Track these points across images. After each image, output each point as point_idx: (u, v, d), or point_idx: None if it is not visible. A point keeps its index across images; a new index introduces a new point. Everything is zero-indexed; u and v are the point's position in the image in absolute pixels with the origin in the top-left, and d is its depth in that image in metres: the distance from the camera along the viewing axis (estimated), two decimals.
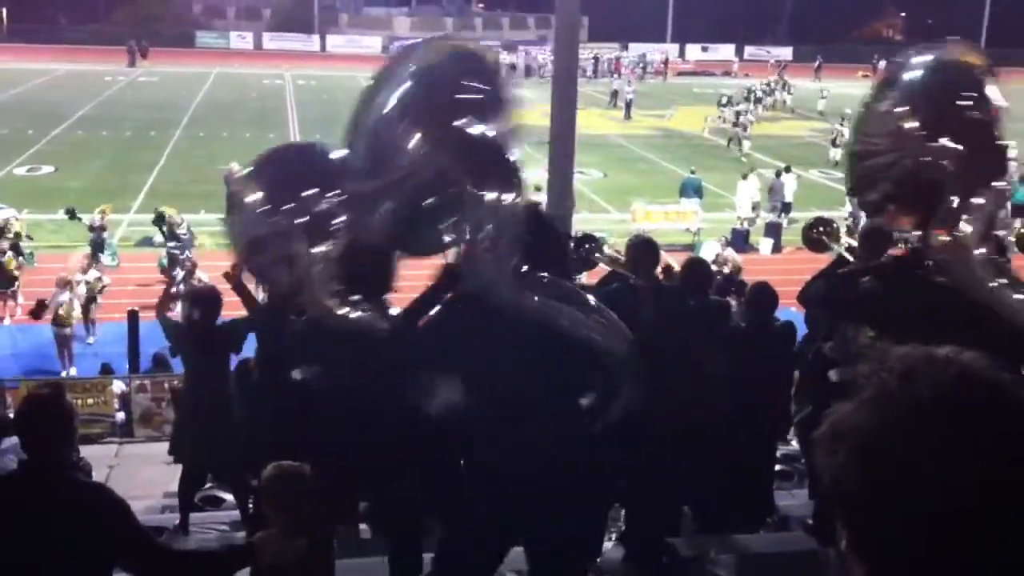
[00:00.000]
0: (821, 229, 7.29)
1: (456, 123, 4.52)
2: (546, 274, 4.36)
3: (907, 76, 5.21)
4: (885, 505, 1.07)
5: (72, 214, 17.73)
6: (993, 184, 4.85)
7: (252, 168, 6.37)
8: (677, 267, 7.70)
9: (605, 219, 23.16)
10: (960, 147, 4.79)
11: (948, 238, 4.74)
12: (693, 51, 70.15)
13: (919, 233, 5.21)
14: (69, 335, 15.38)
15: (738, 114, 36.08)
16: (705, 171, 28.28)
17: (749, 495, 7.02)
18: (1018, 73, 31.90)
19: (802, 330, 7.31)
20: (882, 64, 61.72)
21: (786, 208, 24.20)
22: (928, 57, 5.26)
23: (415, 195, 4.60)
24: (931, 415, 1.07)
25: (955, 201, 4.74)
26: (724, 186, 26.94)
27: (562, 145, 11.53)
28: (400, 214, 4.69)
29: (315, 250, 5.53)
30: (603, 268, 7.20)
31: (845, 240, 7.48)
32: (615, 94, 44.05)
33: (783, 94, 45.76)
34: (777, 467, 8.04)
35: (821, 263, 6.97)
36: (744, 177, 24.79)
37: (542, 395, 4.21)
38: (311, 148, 7.27)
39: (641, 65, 57.10)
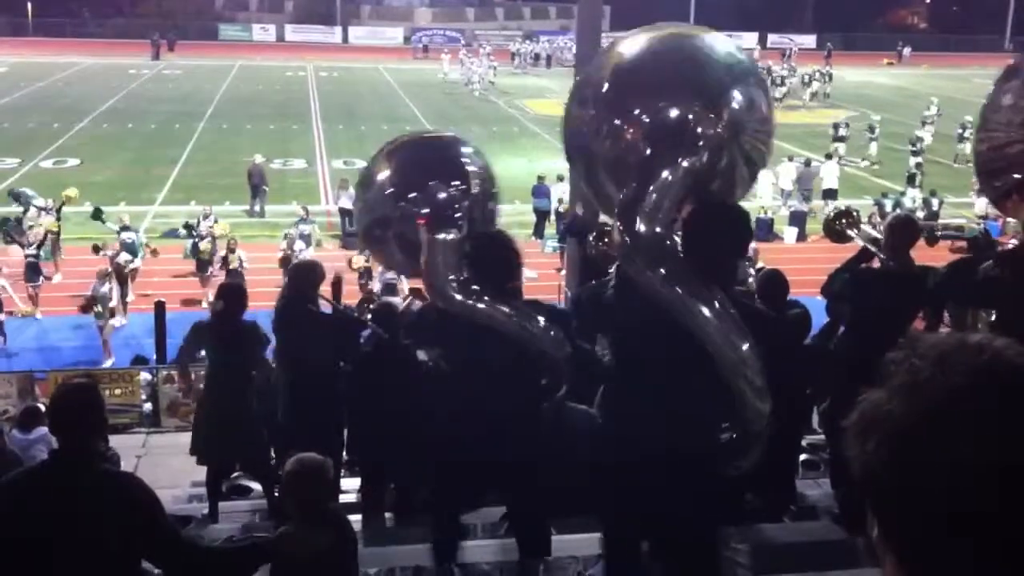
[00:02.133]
0: (844, 220, 7.25)
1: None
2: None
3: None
4: (918, 494, 1.06)
5: (98, 214, 17.89)
6: None
7: (387, 151, 6.47)
8: None
9: None
10: None
11: None
12: None
13: (952, 224, 5.23)
14: (110, 326, 15.59)
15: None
16: None
17: (771, 484, 7.00)
18: None
19: (820, 320, 7.28)
20: (907, 52, 61.44)
21: (830, 195, 23.98)
22: None
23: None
24: (964, 402, 1.05)
25: None
26: None
27: None
28: None
29: (438, 237, 5.54)
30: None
31: (868, 231, 7.42)
32: None
33: (825, 84, 45.17)
34: (803, 456, 8.01)
35: (846, 252, 6.94)
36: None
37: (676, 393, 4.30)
38: (444, 139, 7.42)
39: None
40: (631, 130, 4.55)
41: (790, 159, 26.28)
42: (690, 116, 4.45)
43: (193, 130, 34.17)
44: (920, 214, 20.39)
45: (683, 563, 4.68)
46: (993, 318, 5.98)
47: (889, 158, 28.60)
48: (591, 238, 7.58)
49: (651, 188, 4.30)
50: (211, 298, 14.35)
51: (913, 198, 23.88)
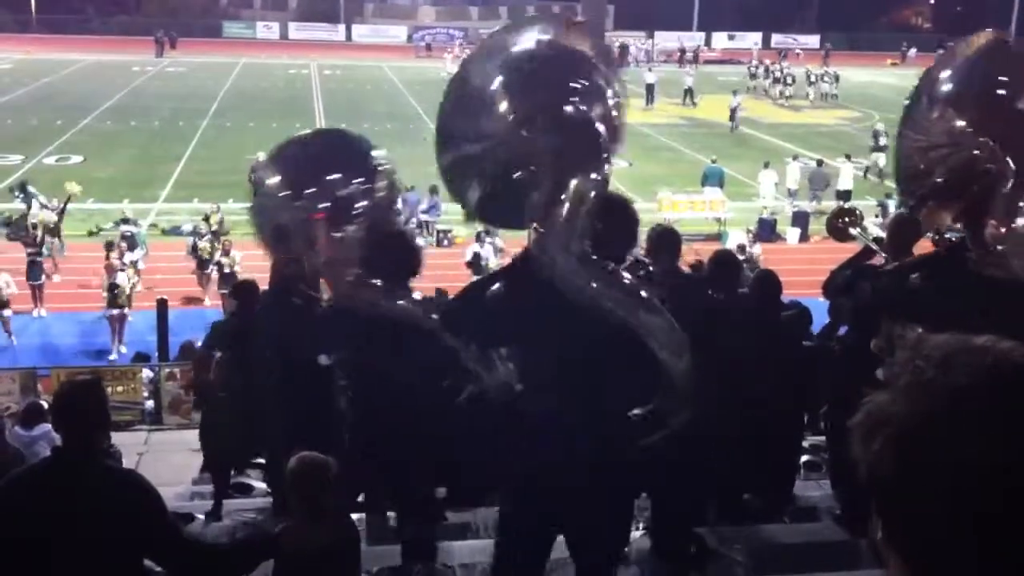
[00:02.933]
0: (846, 219, 7.24)
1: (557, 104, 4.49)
2: (612, 265, 4.24)
3: (953, 70, 5.17)
4: (923, 494, 1.06)
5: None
6: None
7: (274, 153, 6.41)
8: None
9: None
10: (1010, 139, 4.77)
11: (1005, 230, 4.70)
12: (719, 39, 69.69)
13: (958, 225, 5.20)
14: (122, 316, 15.64)
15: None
16: (730, 160, 28.19)
17: (771, 485, 7.01)
18: None
19: (823, 321, 7.28)
20: (912, 52, 61.38)
21: (845, 196, 23.95)
22: (973, 50, 5.21)
23: (503, 169, 4.54)
24: (969, 403, 1.06)
25: (1009, 193, 4.71)
26: (749, 175, 26.81)
27: None
28: (486, 187, 4.65)
29: (337, 235, 5.54)
30: None
31: (871, 230, 7.42)
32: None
33: (832, 85, 45.15)
34: (805, 458, 8.01)
35: (848, 252, 6.93)
36: (766, 166, 24.71)
37: (588, 389, 4.17)
38: (335, 133, 7.31)
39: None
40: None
41: (795, 158, 26.28)
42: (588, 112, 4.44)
43: (196, 127, 34.19)
44: None
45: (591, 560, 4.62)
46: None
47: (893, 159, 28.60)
48: None
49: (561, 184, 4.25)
50: (210, 296, 14.40)
51: None
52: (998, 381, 1.07)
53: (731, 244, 17.66)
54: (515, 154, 4.43)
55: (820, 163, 25.49)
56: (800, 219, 22.98)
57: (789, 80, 44.93)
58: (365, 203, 5.82)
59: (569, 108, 4.44)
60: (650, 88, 41.24)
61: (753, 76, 47.64)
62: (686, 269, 6.84)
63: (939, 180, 5.04)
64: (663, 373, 4.14)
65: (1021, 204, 4.77)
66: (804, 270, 7.18)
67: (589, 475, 4.17)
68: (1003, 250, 4.74)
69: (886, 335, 5.96)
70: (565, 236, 4.15)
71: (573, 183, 4.23)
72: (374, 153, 6.37)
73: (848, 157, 25.55)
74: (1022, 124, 4.86)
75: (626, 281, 4.23)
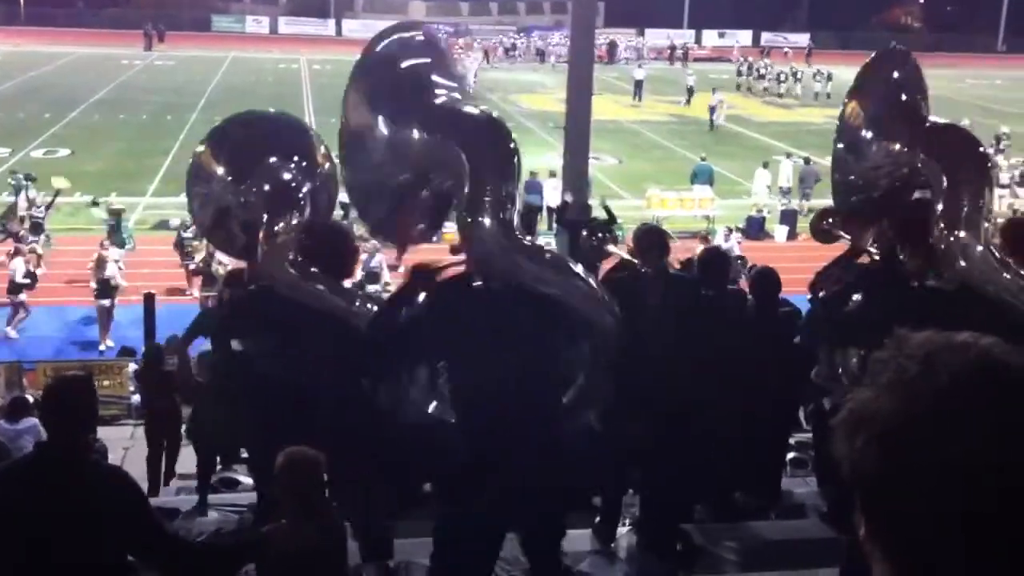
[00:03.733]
0: (830, 220, 7.24)
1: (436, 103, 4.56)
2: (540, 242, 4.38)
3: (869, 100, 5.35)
4: (907, 492, 1.06)
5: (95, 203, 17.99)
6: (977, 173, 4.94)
7: (213, 138, 6.31)
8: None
9: (620, 205, 23.13)
10: (937, 151, 4.91)
11: (948, 232, 4.79)
12: (710, 37, 69.77)
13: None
14: (110, 307, 15.61)
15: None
16: (720, 158, 28.23)
17: (756, 482, 7.03)
18: None
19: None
20: None
21: None
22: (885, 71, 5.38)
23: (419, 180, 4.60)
24: (954, 400, 1.05)
25: (946, 197, 4.82)
26: (740, 173, 26.85)
27: (577, 131, 11.51)
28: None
29: (277, 221, 5.48)
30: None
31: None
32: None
33: (825, 85, 45.25)
34: (792, 455, 8.03)
35: (836, 250, 6.94)
36: (765, 165, 24.77)
37: (531, 381, 4.19)
38: (272, 116, 7.24)
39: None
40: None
41: (788, 156, 26.31)
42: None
43: (185, 121, 34.03)
44: None
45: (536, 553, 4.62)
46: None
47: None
48: (584, 233, 7.58)
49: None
50: (194, 288, 14.31)
51: None
52: (982, 378, 1.07)
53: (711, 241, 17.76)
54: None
55: (807, 161, 25.51)
56: (788, 217, 23.02)
57: (783, 77, 45.21)
58: (307, 190, 5.78)
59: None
60: (639, 84, 41.38)
61: (740, 73, 47.89)
62: (676, 267, 6.86)
63: (874, 195, 5.17)
64: (593, 333, 4.22)
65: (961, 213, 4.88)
66: (792, 268, 7.17)
67: (531, 470, 4.18)
68: (948, 254, 4.83)
69: (825, 362, 5.93)
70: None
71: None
72: (302, 127, 6.33)
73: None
74: (944, 138, 5.03)
75: (548, 251, 4.44)
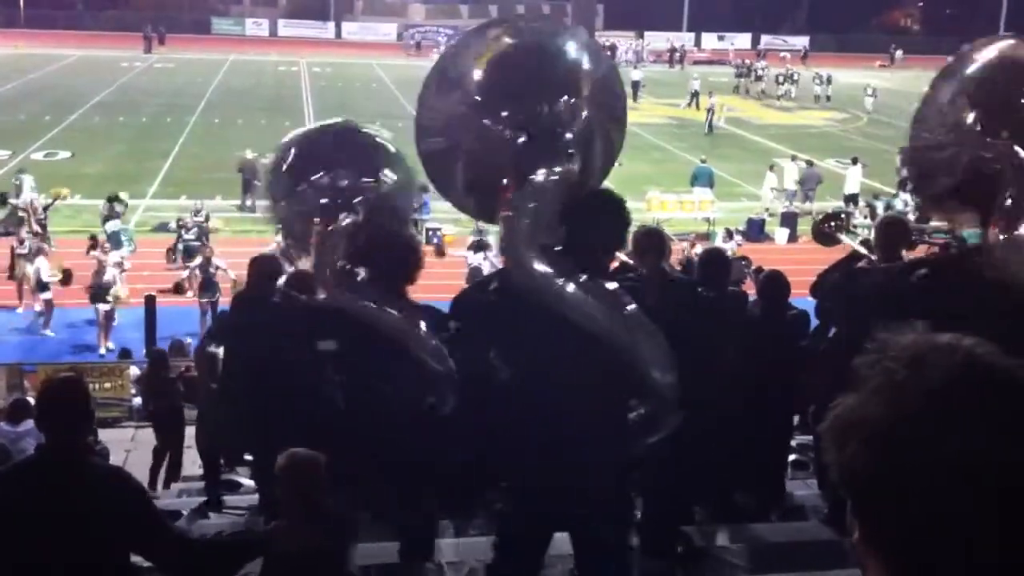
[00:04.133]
0: (832, 224, 7.25)
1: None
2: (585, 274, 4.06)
3: (969, 70, 5.15)
4: (900, 495, 1.07)
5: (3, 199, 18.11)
6: None
7: (284, 146, 6.37)
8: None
9: None
10: (1017, 144, 4.75)
11: (1006, 235, 4.67)
12: (709, 39, 69.78)
13: (942, 227, 5.22)
14: (110, 311, 15.60)
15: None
16: (719, 160, 28.23)
17: (760, 484, 7.03)
18: None
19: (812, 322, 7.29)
20: (900, 54, 61.56)
21: (852, 200, 24.07)
22: (991, 53, 5.19)
23: (472, 160, 4.52)
24: (941, 402, 1.06)
25: (1012, 197, 4.69)
26: (739, 175, 26.86)
27: None
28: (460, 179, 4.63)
29: (332, 226, 5.47)
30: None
31: (860, 233, 7.44)
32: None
33: (825, 87, 45.26)
34: (793, 457, 8.04)
35: (838, 252, 6.95)
36: (771, 168, 24.83)
37: (585, 391, 4.12)
38: (337, 126, 7.25)
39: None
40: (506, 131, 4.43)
41: (793, 159, 26.30)
42: (560, 113, 4.40)
43: (185, 124, 34.07)
44: (911, 216, 20.47)
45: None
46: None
47: (880, 160, 28.64)
48: None
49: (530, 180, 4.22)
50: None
51: (905, 201, 23.98)
52: (968, 379, 1.08)
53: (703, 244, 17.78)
54: (480, 146, 4.45)
55: (810, 163, 25.55)
56: (788, 220, 23.04)
57: (780, 79, 45.30)
58: (367, 197, 5.78)
59: (537, 106, 4.40)
60: (635, 85, 41.43)
61: (739, 75, 47.96)
62: (676, 268, 6.85)
63: (948, 182, 5.04)
64: (649, 386, 4.11)
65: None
66: (792, 271, 7.20)
67: (588, 475, 4.16)
68: (1003, 253, 4.72)
69: (883, 331, 5.92)
70: (526, 234, 4.07)
71: (536, 178, 4.17)
72: (380, 140, 6.36)
73: (856, 161, 25.51)
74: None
75: (607, 289, 4.07)
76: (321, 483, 4.28)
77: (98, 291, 15.54)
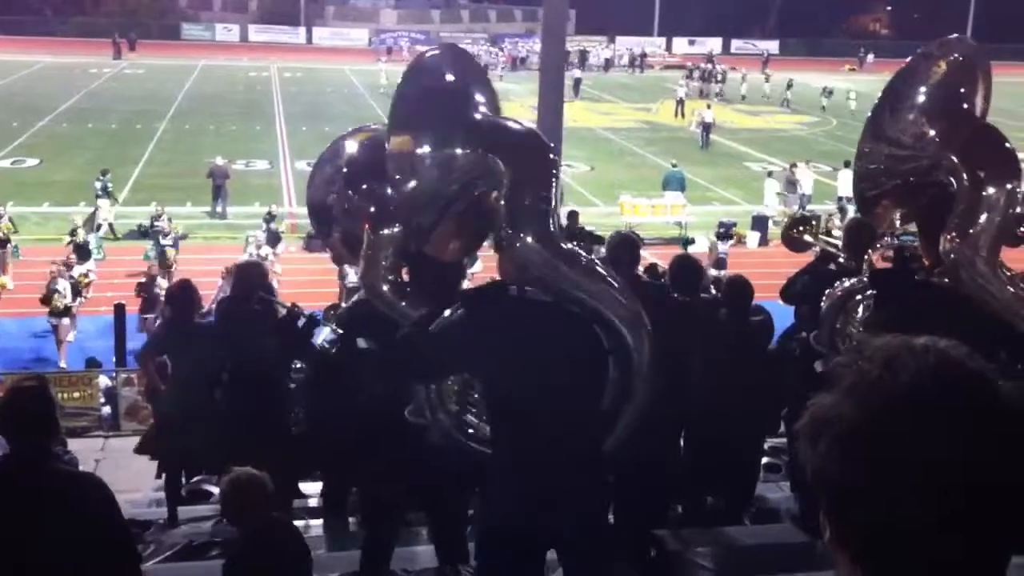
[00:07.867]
0: (801, 228, 7.31)
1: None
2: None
3: (919, 80, 5.16)
4: (870, 493, 1.07)
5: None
6: (1005, 186, 4.77)
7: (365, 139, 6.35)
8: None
9: (592, 212, 23.19)
10: (970, 155, 4.74)
11: (958, 241, 4.68)
12: (680, 44, 70.13)
13: (909, 228, 5.22)
14: (64, 325, 15.33)
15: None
16: (691, 164, 28.37)
17: (732, 487, 7.04)
18: (1004, 68, 32.04)
19: (783, 324, 7.33)
20: (870, 58, 62.12)
21: (849, 202, 24.31)
22: (943, 61, 5.19)
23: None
24: (916, 402, 1.07)
25: (965, 205, 4.69)
26: (711, 180, 26.98)
27: (549, 138, 11.53)
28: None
29: (379, 233, 5.45)
30: None
31: (827, 236, 7.49)
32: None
33: (785, 91, 45.60)
34: (765, 460, 8.06)
35: (809, 256, 6.99)
36: (769, 175, 25.04)
37: (568, 390, 4.13)
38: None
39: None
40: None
41: (793, 166, 26.30)
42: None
43: (155, 130, 33.84)
44: None
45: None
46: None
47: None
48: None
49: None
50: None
51: None
52: (941, 380, 1.08)
53: (698, 249, 17.88)
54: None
55: (793, 166, 25.83)
56: (759, 223, 23.16)
57: (741, 81, 46.13)
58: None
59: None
60: (577, 82, 42.87)
61: (690, 77, 48.53)
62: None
63: (894, 183, 5.05)
64: (627, 352, 4.17)
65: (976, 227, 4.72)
66: (762, 274, 7.22)
67: (576, 482, 4.15)
68: (952, 262, 4.74)
69: (826, 326, 5.94)
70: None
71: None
72: None
73: (848, 164, 25.77)
74: (983, 142, 4.87)
75: (583, 257, 4.31)
76: (266, 500, 4.28)
77: (49, 296, 15.12)
